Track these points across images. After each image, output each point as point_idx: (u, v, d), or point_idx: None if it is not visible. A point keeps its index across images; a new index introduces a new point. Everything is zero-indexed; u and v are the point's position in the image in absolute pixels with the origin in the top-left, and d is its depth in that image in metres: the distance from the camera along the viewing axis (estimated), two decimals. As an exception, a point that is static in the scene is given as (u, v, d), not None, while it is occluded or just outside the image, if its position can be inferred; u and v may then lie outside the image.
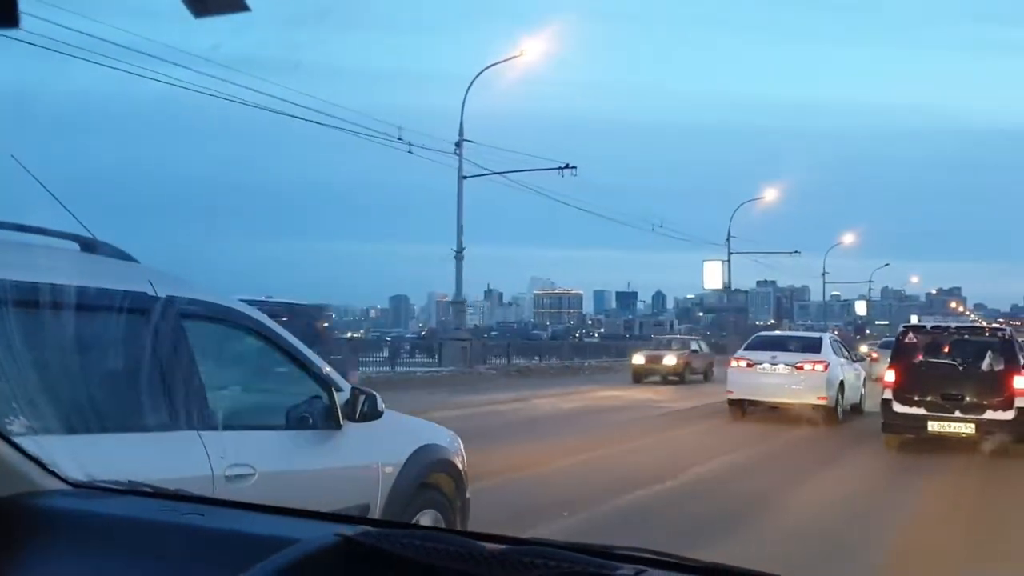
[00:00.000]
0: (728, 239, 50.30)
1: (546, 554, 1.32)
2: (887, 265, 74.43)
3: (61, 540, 1.72)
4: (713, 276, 53.45)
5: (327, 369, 4.28)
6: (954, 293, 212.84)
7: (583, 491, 8.45)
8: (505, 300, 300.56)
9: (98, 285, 3.30)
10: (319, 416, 4.09)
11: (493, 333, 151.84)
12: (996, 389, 11.87)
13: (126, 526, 1.75)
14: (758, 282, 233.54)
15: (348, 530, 1.45)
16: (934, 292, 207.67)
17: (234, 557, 1.43)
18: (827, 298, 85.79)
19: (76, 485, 1.98)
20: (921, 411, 12.10)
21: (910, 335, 12.97)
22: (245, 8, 1.26)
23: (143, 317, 3.40)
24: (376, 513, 4.30)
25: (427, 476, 4.79)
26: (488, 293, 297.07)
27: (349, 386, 4.30)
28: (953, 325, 13.49)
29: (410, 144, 27.09)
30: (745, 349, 17.45)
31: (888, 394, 12.47)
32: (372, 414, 4.26)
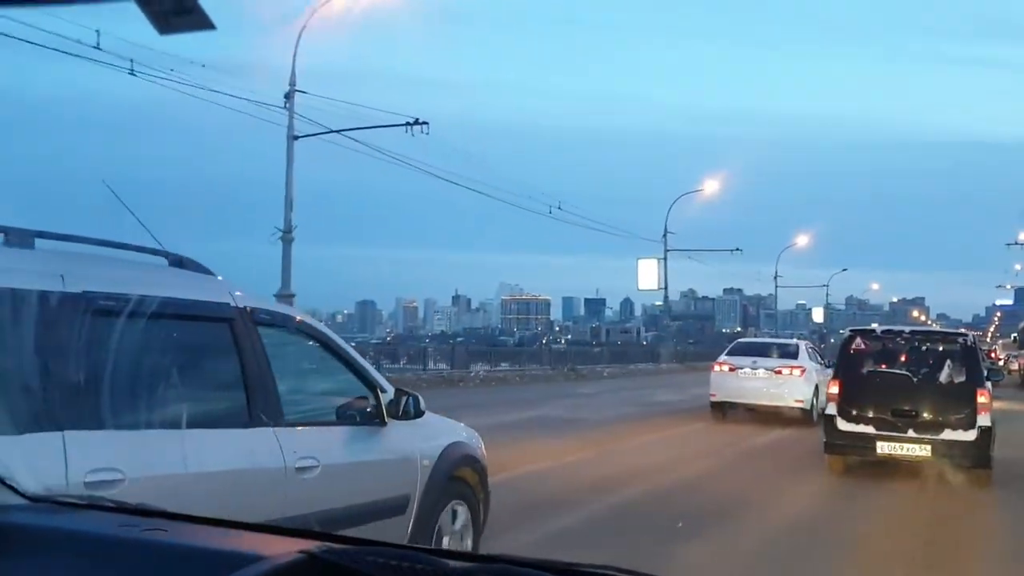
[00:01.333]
0: (665, 235, 44.43)
1: (511, 572, 1.38)
2: (845, 270, 73.45)
3: (18, 556, 1.69)
4: (648, 276, 46.07)
5: (374, 372, 4.86)
6: (917, 303, 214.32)
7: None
8: (473, 306, 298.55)
9: (189, 297, 3.78)
10: (367, 414, 4.61)
11: (459, 339, 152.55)
12: (956, 405, 10.11)
13: (86, 542, 1.74)
14: (725, 290, 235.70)
15: (312, 547, 1.48)
16: (896, 301, 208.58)
17: (197, 574, 1.51)
18: (794, 307, 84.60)
19: (34, 499, 1.97)
20: (869, 429, 10.27)
21: (857, 341, 11.03)
22: (211, 26, 1.26)
23: (226, 325, 3.89)
24: (415, 503, 4.81)
25: (456, 470, 5.26)
26: (456, 298, 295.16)
27: (393, 388, 4.83)
28: (907, 330, 11.33)
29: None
30: (727, 355, 18.23)
31: (832, 409, 10.63)
32: (414, 413, 4.82)
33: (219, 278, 4.18)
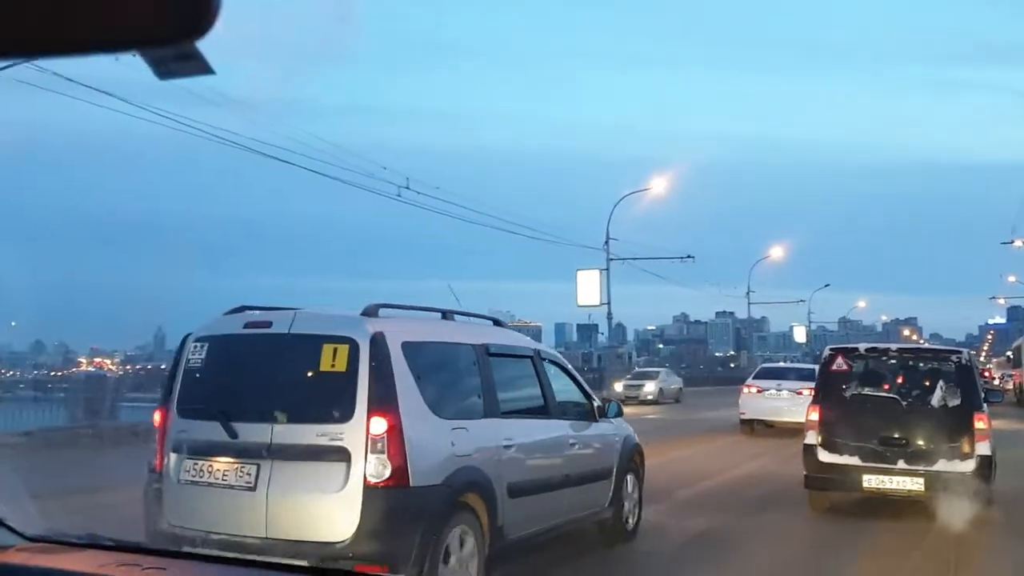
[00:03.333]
0: (606, 242, 38.15)
1: None
2: (827, 286, 72.72)
3: None
4: (589, 289, 38.69)
5: (589, 388, 7.83)
6: (910, 322, 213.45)
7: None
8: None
9: (513, 343, 6.99)
10: (590, 414, 7.47)
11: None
12: (951, 431, 8.96)
13: None
14: (717, 313, 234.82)
15: None
16: (888, 320, 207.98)
17: None
18: (788, 329, 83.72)
19: (33, 539, 2.02)
20: (854, 460, 9.05)
21: (839, 361, 9.83)
22: (210, 72, 1.29)
23: (530, 360, 6.95)
24: (614, 472, 7.56)
25: (632, 453, 8.13)
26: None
27: (599, 398, 7.84)
28: (894, 347, 10.24)
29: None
30: (754, 378, 21.64)
31: (812, 438, 9.37)
32: (612, 415, 7.77)
33: (514, 331, 7.79)
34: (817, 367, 20.24)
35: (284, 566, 3.80)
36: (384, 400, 5.02)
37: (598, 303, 38.93)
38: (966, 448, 8.82)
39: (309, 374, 5.28)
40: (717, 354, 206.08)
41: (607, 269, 38.50)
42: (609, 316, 39.47)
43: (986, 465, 8.78)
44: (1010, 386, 41.93)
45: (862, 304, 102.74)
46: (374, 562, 4.89)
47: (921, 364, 9.72)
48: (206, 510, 5.19)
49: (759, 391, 20.52)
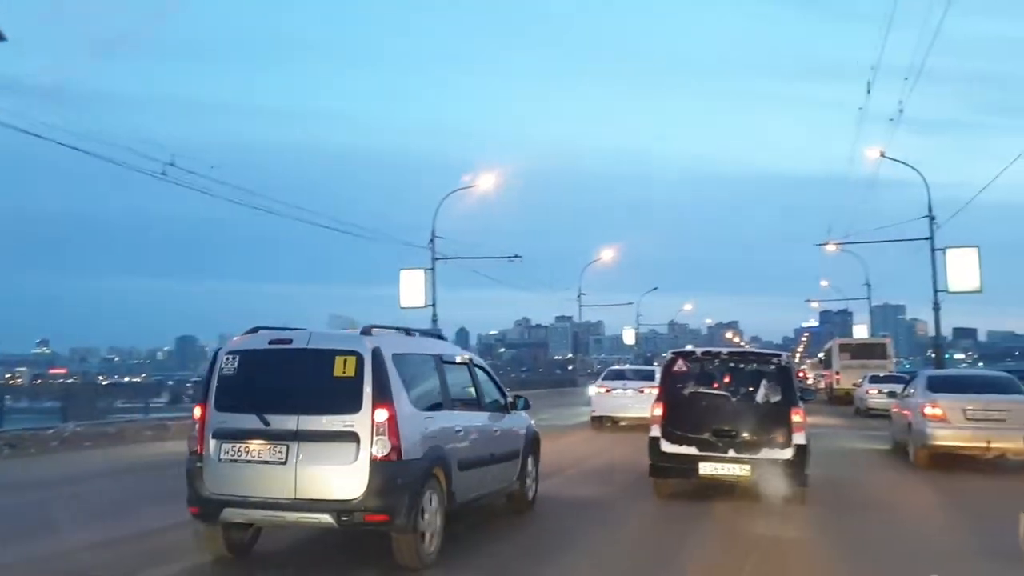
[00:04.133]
0: (432, 240, 36.47)
1: None
2: (655, 289, 75.73)
3: None
4: (413, 290, 36.96)
5: (502, 387, 9.74)
6: (732, 325, 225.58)
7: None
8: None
9: (453, 353, 8.85)
10: (505, 408, 9.48)
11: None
12: (772, 424, 10.24)
13: None
14: (556, 318, 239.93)
15: None
16: (713, 324, 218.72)
17: None
18: (622, 332, 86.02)
19: None
20: (692, 450, 10.28)
21: (679, 363, 11.04)
22: (2, 38, 1.27)
23: (466, 367, 8.97)
24: (520, 454, 9.68)
25: (533, 439, 10.18)
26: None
27: (512, 395, 9.83)
28: (725, 351, 11.50)
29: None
30: (603, 379, 24.20)
31: (656, 431, 10.55)
32: (519, 408, 9.81)
33: (447, 341, 9.79)
34: (652, 368, 23.18)
35: (314, 521, 6.78)
36: (383, 396, 6.81)
37: (423, 304, 36.84)
38: (785, 439, 10.09)
39: (325, 378, 6.90)
40: (556, 357, 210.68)
41: (432, 269, 36.83)
42: (434, 318, 37.13)
43: (802, 453, 10.09)
44: (822, 385, 45.48)
45: (688, 307, 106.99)
46: (378, 513, 6.69)
47: (747, 365, 10.85)
48: (244, 480, 6.82)
49: (608, 390, 22.89)
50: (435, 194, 35.41)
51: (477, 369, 9.15)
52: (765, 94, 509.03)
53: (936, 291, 31.73)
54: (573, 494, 11.11)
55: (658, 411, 10.67)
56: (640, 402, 20.62)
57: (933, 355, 39.66)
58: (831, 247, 42.78)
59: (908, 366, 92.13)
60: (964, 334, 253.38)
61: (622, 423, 22.45)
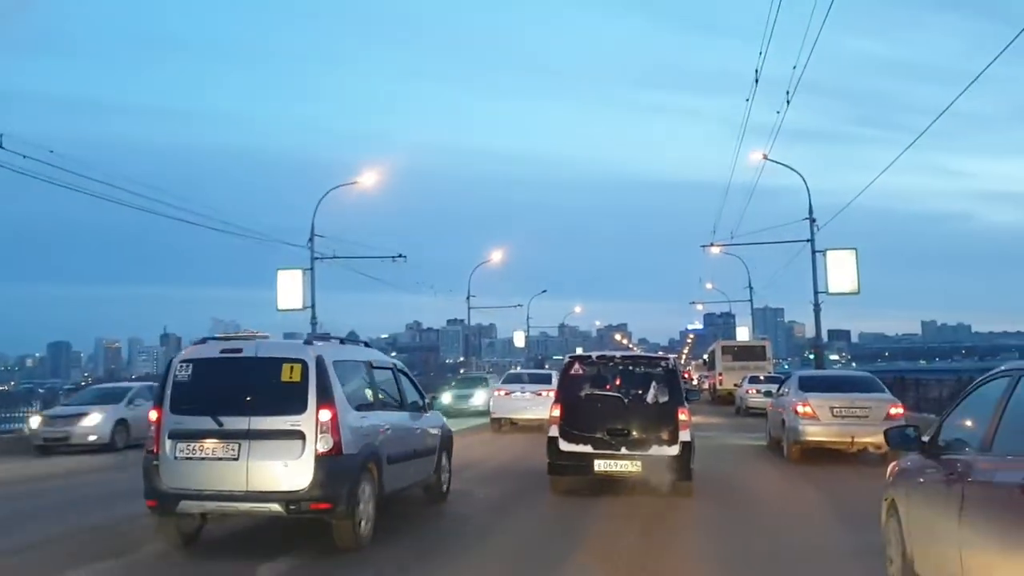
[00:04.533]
0: (311, 239, 34.66)
1: None
2: (544, 291, 76.91)
3: None
4: (291, 291, 35.23)
5: (420, 389, 10.84)
6: (621, 328, 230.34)
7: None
8: (183, 344, 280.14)
9: (381, 359, 10.01)
10: (423, 408, 10.49)
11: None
12: (661, 423, 11.04)
13: None
14: (448, 321, 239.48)
15: None
16: (602, 327, 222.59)
17: None
18: (511, 335, 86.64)
19: None
20: (587, 449, 10.98)
21: (576, 366, 11.78)
22: None
23: (391, 371, 10.07)
24: (437, 450, 10.71)
25: (446, 436, 11.24)
26: (165, 337, 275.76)
27: (429, 396, 11.10)
28: (618, 355, 12.16)
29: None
30: (503, 383, 25.45)
31: (554, 431, 11.21)
32: (437, 408, 11.80)
33: (372, 349, 10.33)
34: (548, 372, 24.35)
35: (265, 510, 7.62)
36: (326, 398, 7.68)
37: (300, 306, 35.31)
38: (672, 436, 10.90)
39: (273, 382, 7.71)
40: (448, 361, 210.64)
41: (311, 269, 35.21)
42: (313, 320, 35.52)
43: (687, 449, 10.90)
44: (706, 386, 47.38)
45: (578, 309, 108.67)
46: (322, 502, 7.52)
47: (639, 368, 11.59)
48: (198, 475, 7.56)
49: (507, 393, 23.99)
50: (317, 195, 34.54)
51: (400, 374, 10.24)
52: (651, 104, 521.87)
53: (816, 292, 32.32)
54: (481, 488, 12.14)
55: (556, 412, 11.35)
56: (537, 404, 22.15)
57: (812, 355, 41.49)
58: (715, 249, 43.64)
59: (787, 367, 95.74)
60: (838, 336, 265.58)
61: (520, 424, 23.50)
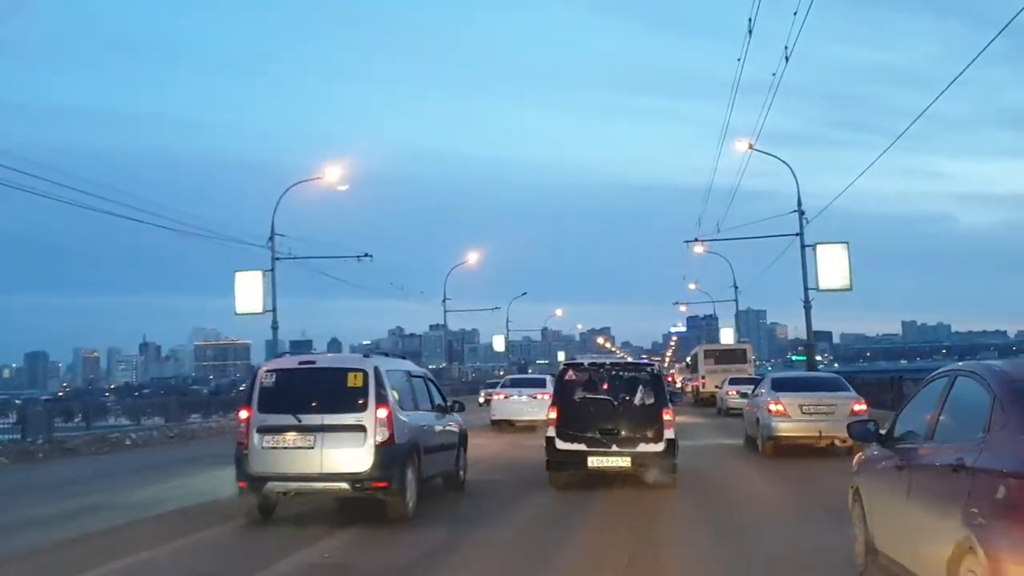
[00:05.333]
0: (271, 238, 32.75)
1: None
2: (524, 294, 77.45)
3: None
4: (250, 294, 33.07)
5: (445, 395, 12.58)
6: (604, 331, 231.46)
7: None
8: (163, 354, 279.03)
9: (417, 369, 12.17)
10: (447, 409, 12.19)
11: (145, 391, 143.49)
12: (648, 422, 12.05)
13: None
14: (431, 326, 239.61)
15: None
16: (585, 331, 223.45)
17: None
18: (491, 340, 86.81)
19: None
20: (581, 447, 12.00)
21: (570, 373, 12.80)
22: None
23: (422, 380, 11.83)
24: (458, 444, 12.44)
25: (464, 435, 12.75)
26: (143, 346, 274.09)
27: (450, 399, 12.73)
28: (608, 362, 13.38)
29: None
30: (502, 387, 27.67)
31: (551, 431, 12.27)
32: (456, 410, 12.67)
33: (407, 360, 12.18)
34: (543, 377, 26.16)
35: (335, 488, 9.50)
36: (382, 399, 9.59)
37: (260, 310, 32.93)
38: (657, 434, 11.94)
39: (340, 387, 9.64)
40: (431, 366, 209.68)
41: (272, 270, 32.93)
42: (274, 325, 33.25)
43: (672, 446, 11.98)
44: (689, 388, 48.10)
45: (559, 313, 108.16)
46: (381, 481, 9.37)
47: (627, 374, 12.69)
48: (281, 461, 9.43)
49: (506, 397, 26.16)
50: (288, 199, 33.30)
51: (429, 381, 12.13)
52: (632, 107, 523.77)
53: (807, 289, 31.13)
54: (491, 479, 13.73)
55: (553, 414, 12.43)
56: (533, 407, 24.25)
57: (795, 357, 42.09)
58: (699, 248, 43.89)
59: (770, 368, 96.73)
60: (820, 337, 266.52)
61: (518, 425, 25.29)
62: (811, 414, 16.17)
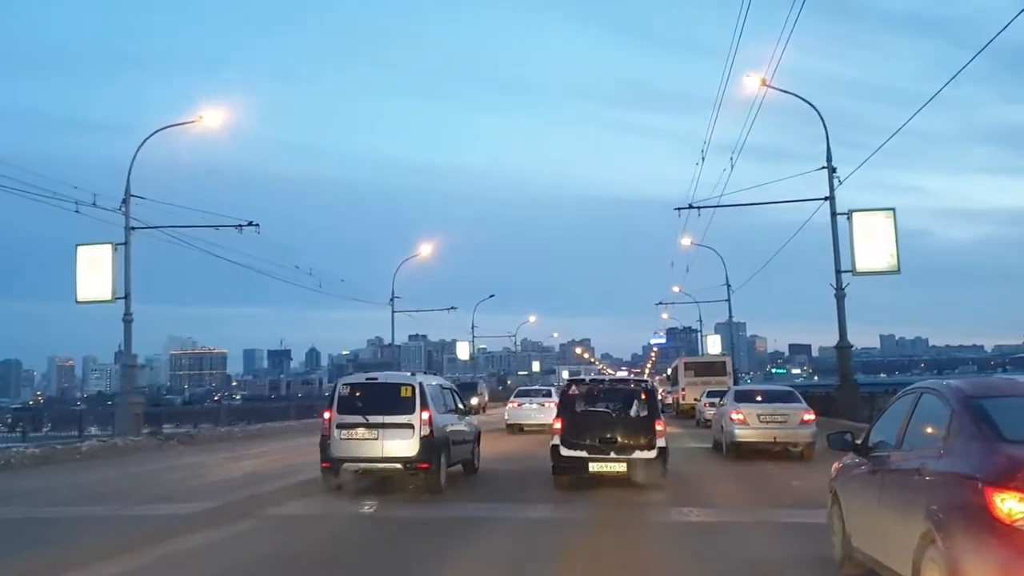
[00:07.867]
0: (125, 201, 24.69)
1: None
2: (492, 296, 77.60)
3: None
4: (96, 276, 25.92)
5: (463, 399, 16.40)
6: (584, 343, 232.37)
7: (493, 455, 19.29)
8: (139, 362, 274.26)
9: (443, 383, 16.27)
10: (465, 412, 15.92)
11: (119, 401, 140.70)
12: (642, 432, 13.25)
13: None
14: (410, 336, 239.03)
15: None
16: (565, 342, 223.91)
17: None
18: (475, 351, 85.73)
19: None
20: (583, 454, 13.25)
21: (573, 388, 14.11)
22: None
23: (450, 391, 15.72)
24: (474, 441, 16.26)
25: (478, 432, 16.68)
26: (118, 355, 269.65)
27: (467, 403, 17.27)
28: (607, 379, 15.04)
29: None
30: (514, 396, 33.05)
31: (556, 440, 13.54)
32: (473, 412, 18.27)
33: (442, 376, 22.73)
34: (549, 387, 31.50)
35: (392, 468, 13.26)
36: (425, 405, 13.14)
37: (109, 297, 25.32)
38: (651, 443, 13.19)
39: (396, 397, 13.22)
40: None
41: (126, 243, 25.11)
42: (127, 318, 25.40)
43: (663, 453, 13.29)
44: (670, 400, 48.51)
45: (532, 319, 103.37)
46: (424, 463, 12.93)
47: (623, 388, 14.12)
48: (354, 448, 13.03)
49: (519, 404, 31.62)
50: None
51: (453, 391, 15.92)
52: (614, 122, 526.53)
53: (839, 272, 24.69)
54: (502, 468, 16.90)
55: (558, 425, 13.73)
56: (541, 413, 29.19)
57: (774, 370, 42.19)
58: (687, 241, 44.56)
59: (750, 380, 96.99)
60: (799, 350, 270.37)
61: (527, 428, 29.65)
62: (767, 422, 18.67)
